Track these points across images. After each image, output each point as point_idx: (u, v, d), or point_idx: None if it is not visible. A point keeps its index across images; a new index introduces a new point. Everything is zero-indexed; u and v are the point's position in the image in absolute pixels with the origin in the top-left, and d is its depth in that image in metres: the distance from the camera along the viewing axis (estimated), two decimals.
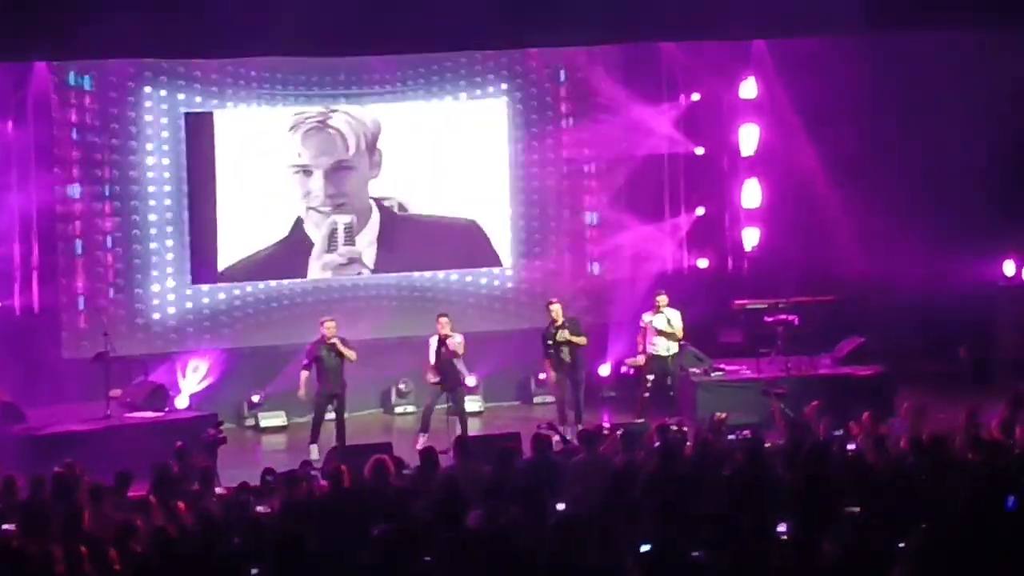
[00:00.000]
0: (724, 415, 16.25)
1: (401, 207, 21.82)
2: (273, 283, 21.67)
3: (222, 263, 21.35)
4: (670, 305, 19.99)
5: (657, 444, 14.48)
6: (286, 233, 21.47)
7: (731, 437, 15.43)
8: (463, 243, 22.15)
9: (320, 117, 21.47)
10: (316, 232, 21.53)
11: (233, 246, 21.38)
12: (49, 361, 20.36)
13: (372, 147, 21.65)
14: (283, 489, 13.78)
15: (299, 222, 21.48)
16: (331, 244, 21.57)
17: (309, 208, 21.49)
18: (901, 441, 14.34)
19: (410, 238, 21.85)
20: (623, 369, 21.37)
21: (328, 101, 21.54)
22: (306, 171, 21.44)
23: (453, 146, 22.06)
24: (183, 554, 11.22)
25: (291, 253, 21.53)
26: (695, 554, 10.44)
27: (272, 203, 21.38)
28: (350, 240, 21.62)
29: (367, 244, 21.75)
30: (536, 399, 21.79)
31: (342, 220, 21.55)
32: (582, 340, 19.90)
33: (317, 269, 21.66)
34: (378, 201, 21.74)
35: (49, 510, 12.76)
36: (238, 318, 21.55)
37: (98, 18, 16.97)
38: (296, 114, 21.38)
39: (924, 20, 19.53)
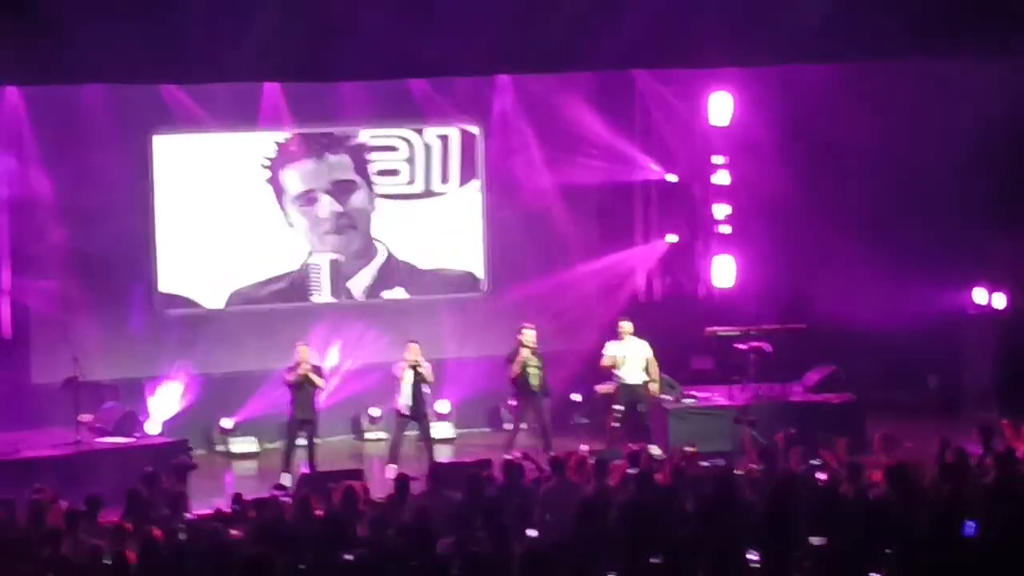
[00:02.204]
0: (694, 448, 16.18)
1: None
2: (244, 308, 21.64)
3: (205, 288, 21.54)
4: (636, 334, 19.96)
5: (632, 471, 14.44)
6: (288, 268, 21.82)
7: (703, 464, 15.42)
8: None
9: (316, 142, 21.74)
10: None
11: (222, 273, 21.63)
12: (19, 385, 20.25)
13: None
14: (253, 514, 13.75)
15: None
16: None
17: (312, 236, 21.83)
18: (874, 470, 14.34)
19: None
20: (598, 388, 21.25)
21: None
22: (310, 198, 21.67)
23: (426, 173, 22.16)
24: None
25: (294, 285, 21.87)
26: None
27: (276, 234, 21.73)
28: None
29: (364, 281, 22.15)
30: (507, 426, 21.77)
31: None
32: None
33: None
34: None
35: (22, 535, 12.73)
36: (209, 343, 21.46)
37: (68, 43, 16.85)
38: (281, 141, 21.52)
39: (894, 50, 19.58)
